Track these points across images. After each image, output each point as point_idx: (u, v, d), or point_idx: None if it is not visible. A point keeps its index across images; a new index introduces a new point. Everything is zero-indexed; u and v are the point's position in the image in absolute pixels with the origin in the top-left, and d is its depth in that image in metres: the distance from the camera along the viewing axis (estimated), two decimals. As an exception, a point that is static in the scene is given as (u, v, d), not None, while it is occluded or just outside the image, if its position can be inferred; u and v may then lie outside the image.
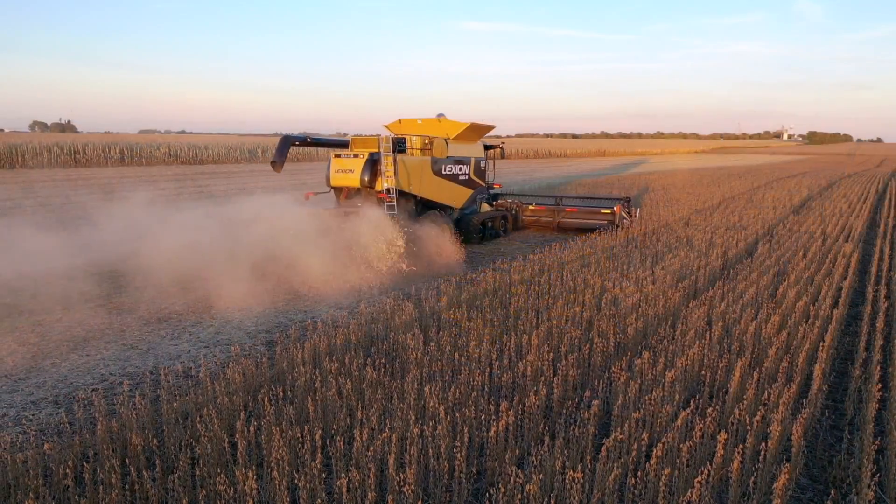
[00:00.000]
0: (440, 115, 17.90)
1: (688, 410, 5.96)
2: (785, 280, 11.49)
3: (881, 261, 13.14)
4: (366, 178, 15.00)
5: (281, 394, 6.48)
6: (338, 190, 15.97)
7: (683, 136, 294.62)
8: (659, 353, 7.79)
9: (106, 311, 10.84)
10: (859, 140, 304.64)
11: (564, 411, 6.52)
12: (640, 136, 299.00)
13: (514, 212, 21.12)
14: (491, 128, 18.73)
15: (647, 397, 6.38)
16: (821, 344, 7.82)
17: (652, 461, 5.04)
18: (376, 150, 15.03)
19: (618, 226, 19.02)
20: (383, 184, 14.75)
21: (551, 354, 7.50)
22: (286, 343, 8.52)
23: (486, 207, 19.51)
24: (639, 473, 5.02)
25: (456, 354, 7.47)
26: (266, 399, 6.23)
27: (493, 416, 6.15)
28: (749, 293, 10.25)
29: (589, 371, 7.58)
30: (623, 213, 19.88)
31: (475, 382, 6.68)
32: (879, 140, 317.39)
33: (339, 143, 17.26)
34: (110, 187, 30.88)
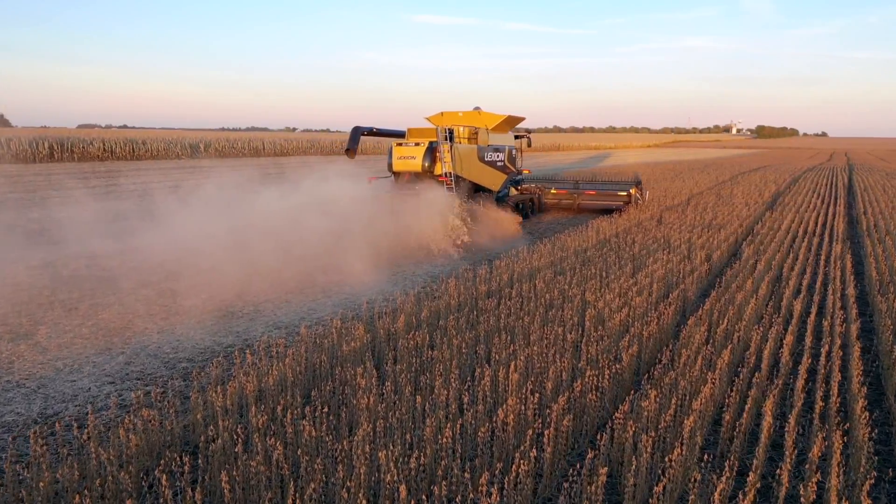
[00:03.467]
0: (476, 107, 19.98)
1: (723, 480, 4.53)
2: (785, 289, 10.24)
3: (877, 263, 11.99)
4: (426, 164, 17.24)
5: (188, 466, 4.86)
6: (398, 174, 18.02)
7: (635, 130, 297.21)
8: (667, 391, 6.37)
9: (-6, 338, 9.06)
10: (805, 134, 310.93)
11: (562, 482, 5.06)
12: (592, 130, 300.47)
13: (538, 195, 23.18)
14: (522, 119, 20.97)
15: (668, 458, 4.94)
16: (849, 365, 6.49)
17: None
18: (434, 139, 17.50)
19: (634, 205, 21.82)
20: (442, 168, 17.14)
21: (536, 396, 6.03)
22: (206, 380, 6.91)
23: (512, 191, 21.75)
24: None
25: (418, 398, 5.93)
26: (164, 478, 4.60)
27: (471, 494, 4.66)
28: (750, 306, 8.93)
29: (584, 418, 6.12)
30: (638, 195, 22.55)
31: (444, 440, 5.16)
32: (825, 134, 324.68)
33: (397, 134, 19.42)
34: (31, 186, 28.63)
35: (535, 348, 7.23)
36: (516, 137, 21.90)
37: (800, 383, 6.34)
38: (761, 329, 8.22)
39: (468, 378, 6.80)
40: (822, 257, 12.93)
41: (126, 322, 9.73)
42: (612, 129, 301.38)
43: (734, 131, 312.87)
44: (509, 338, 7.76)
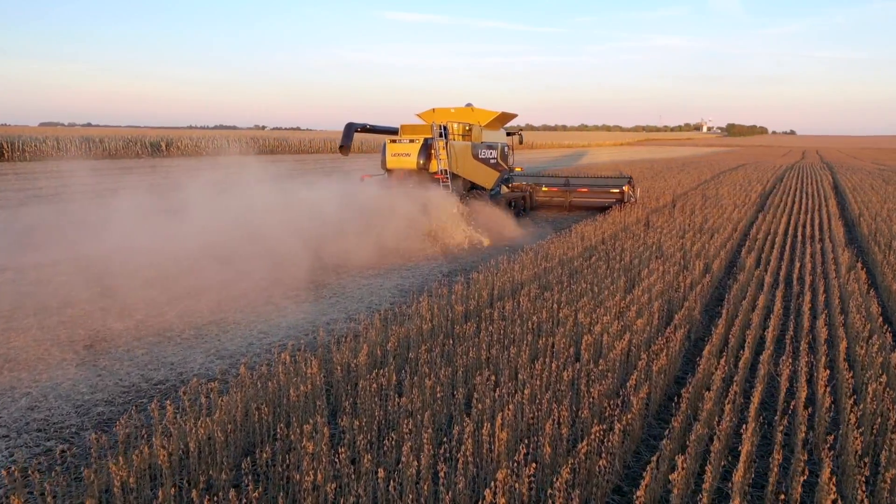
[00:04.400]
0: (469, 104, 19.50)
1: None
2: (801, 305, 9.05)
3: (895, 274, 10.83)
4: (421, 161, 16.77)
5: None
6: (391, 172, 17.51)
7: (608, 128, 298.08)
8: (696, 460, 5.07)
9: None
10: (774, 132, 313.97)
11: None
12: (564, 128, 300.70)
13: (529, 193, 22.89)
14: (514, 116, 20.46)
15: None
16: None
17: None
18: (429, 136, 16.89)
19: (625, 203, 21.67)
20: (438, 166, 16.62)
21: (533, 466, 4.69)
22: (114, 437, 5.49)
23: (504, 189, 21.19)
24: None
25: (380, 472, 4.56)
26: None
27: None
28: (770, 330, 7.69)
29: (595, 491, 4.80)
30: (630, 192, 22.46)
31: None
32: (793, 132, 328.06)
33: (390, 131, 18.59)
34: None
35: (527, 391, 5.90)
36: (508, 134, 21.84)
37: (853, 436, 5.09)
38: (789, 361, 6.97)
39: (444, 437, 5.46)
40: (832, 267, 11.76)
41: (41, 351, 8.26)
42: (584, 128, 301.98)
43: (705, 129, 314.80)
44: (493, 377, 6.42)
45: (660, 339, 7.57)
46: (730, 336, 7.70)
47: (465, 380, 6.60)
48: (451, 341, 7.58)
